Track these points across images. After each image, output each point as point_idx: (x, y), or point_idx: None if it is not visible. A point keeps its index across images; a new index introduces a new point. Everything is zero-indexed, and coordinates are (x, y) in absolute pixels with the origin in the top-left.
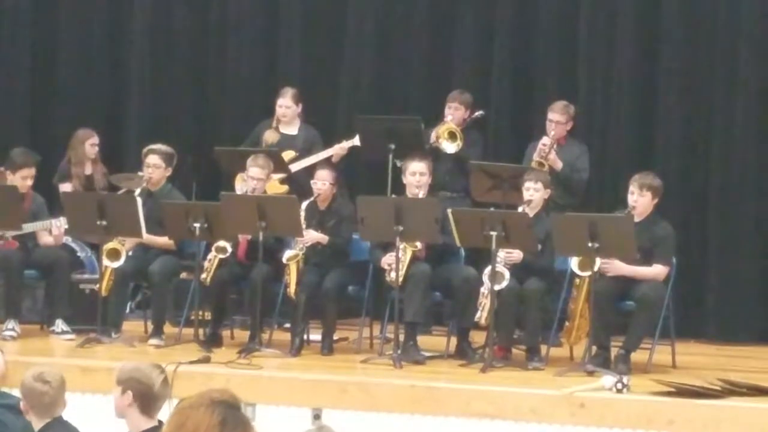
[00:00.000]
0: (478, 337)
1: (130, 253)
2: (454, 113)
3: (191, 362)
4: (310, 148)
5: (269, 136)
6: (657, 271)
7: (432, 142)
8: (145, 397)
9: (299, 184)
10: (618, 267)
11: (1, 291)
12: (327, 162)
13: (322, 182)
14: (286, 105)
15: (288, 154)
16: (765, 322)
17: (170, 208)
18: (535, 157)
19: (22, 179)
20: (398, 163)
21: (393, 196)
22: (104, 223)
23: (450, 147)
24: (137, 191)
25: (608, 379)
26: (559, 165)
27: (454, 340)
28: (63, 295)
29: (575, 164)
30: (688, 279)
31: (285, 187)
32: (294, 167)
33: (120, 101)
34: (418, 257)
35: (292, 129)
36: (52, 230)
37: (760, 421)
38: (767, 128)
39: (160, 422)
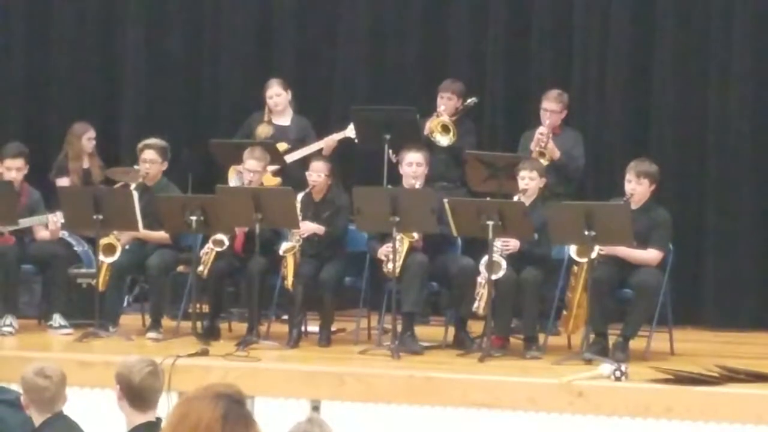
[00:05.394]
0: (475, 327)
1: (127, 247)
2: (446, 103)
3: (189, 355)
4: (303, 138)
5: (262, 131)
6: (651, 255)
7: (426, 134)
8: (130, 390)
9: (291, 176)
10: (613, 247)
11: None
12: (321, 153)
13: (317, 174)
14: (276, 93)
15: (280, 146)
16: (762, 309)
17: (166, 202)
18: (534, 146)
19: (7, 170)
20: (393, 158)
21: (389, 186)
22: (101, 217)
23: (444, 140)
24: (133, 185)
25: (606, 367)
26: (557, 154)
27: (451, 330)
28: (60, 289)
29: (571, 152)
30: (686, 265)
31: (277, 179)
32: (287, 159)
33: (114, 94)
34: (415, 247)
35: (285, 120)
36: (49, 225)
37: (759, 408)
38: (763, 114)
39: (159, 419)
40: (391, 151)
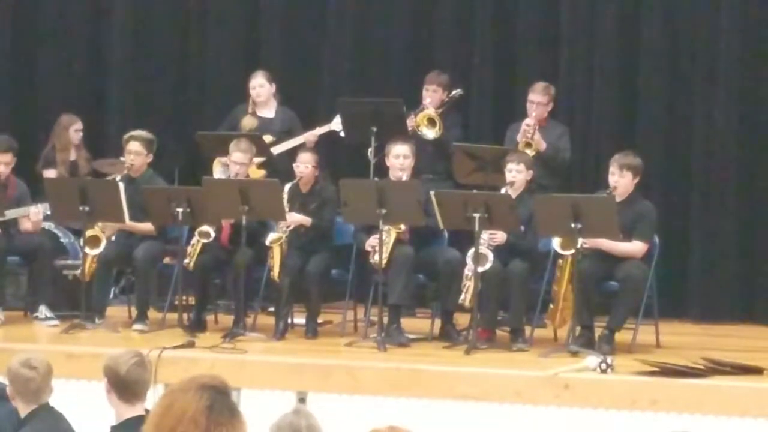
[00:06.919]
0: (462, 319)
1: (113, 239)
2: (432, 96)
3: (175, 347)
4: (289, 130)
5: (247, 123)
6: (636, 247)
7: (412, 128)
8: (117, 382)
9: (276, 168)
10: (597, 240)
11: None
12: (304, 145)
13: (305, 165)
14: (259, 84)
15: (265, 138)
16: (747, 301)
17: (152, 194)
18: (520, 138)
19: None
20: (371, 158)
21: (376, 179)
22: (87, 208)
23: (430, 133)
24: (117, 177)
25: (592, 360)
26: (543, 145)
27: (438, 323)
28: (46, 281)
29: (557, 145)
30: (672, 258)
31: (262, 172)
32: (273, 151)
33: (101, 87)
34: (402, 240)
35: (269, 112)
36: (30, 216)
37: (744, 400)
38: (749, 108)
39: (148, 411)
40: (369, 150)
